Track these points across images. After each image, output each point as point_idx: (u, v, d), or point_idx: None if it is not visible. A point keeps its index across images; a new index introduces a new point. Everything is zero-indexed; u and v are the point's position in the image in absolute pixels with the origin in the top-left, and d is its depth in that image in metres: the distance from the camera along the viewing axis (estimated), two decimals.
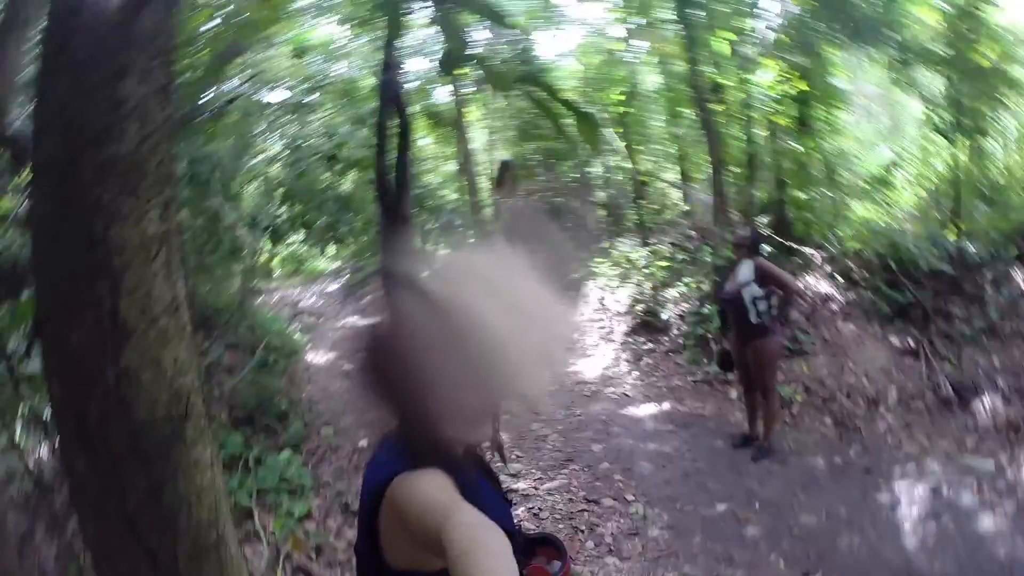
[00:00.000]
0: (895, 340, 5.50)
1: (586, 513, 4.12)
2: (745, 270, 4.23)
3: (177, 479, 1.63)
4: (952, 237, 6.19)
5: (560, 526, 4.03)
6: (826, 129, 7.44)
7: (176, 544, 1.61)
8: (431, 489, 0.98)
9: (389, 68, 2.39)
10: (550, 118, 1.73)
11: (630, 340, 7.22)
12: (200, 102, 6.48)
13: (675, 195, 9.65)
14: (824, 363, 5.46)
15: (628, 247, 8.71)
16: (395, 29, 2.63)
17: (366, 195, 6.86)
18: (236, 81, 8.10)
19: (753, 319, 4.20)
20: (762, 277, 4.15)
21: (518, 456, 5.22)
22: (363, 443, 4.69)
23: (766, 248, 5.63)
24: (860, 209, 7.47)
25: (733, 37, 7.08)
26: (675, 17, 7.00)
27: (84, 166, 1.50)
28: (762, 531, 3.65)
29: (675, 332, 6.77)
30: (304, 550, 3.43)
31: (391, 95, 2.31)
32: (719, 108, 7.42)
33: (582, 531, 3.94)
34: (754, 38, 7.14)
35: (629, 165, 9.69)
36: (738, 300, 4.26)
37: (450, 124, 10.83)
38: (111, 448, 1.55)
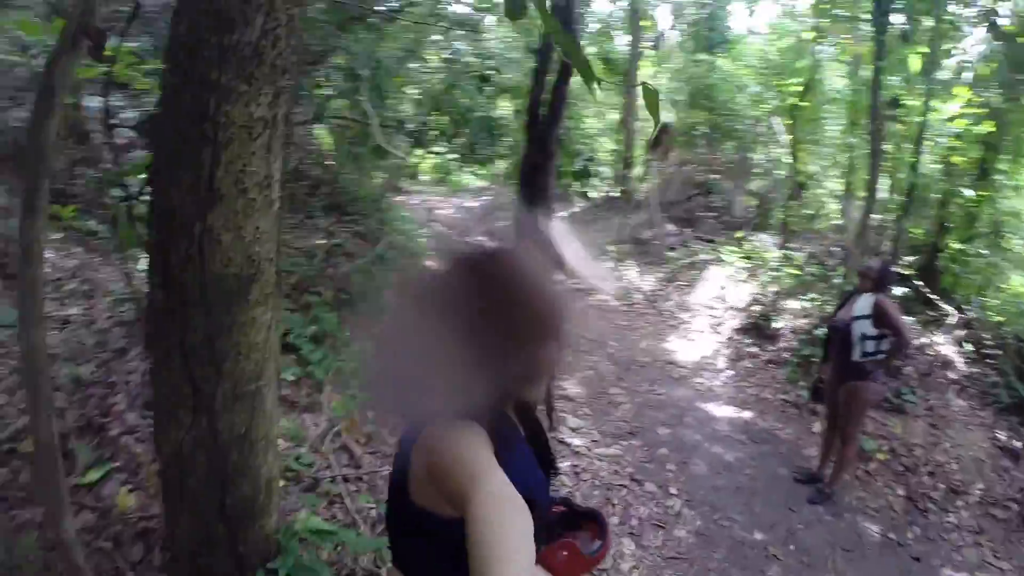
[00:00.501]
0: (1002, 434, 4.94)
1: (625, 490, 4.17)
2: (863, 303, 3.90)
3: (232, 331, 1.89)
4: None
5: (595, 492, 4.12)
6: (1007, 184, 6.54)
7: (218, 385, 1.89)
8: (464, 446, 0.97)
9: None
10: (583, 76, 1.66)
11: (736, 338, 6.91)
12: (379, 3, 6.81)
13: (832, 206, 8.84)
14: (920, 430, 4.96)
15: (766, 244, 8.18)
16: None
17: (516, 123, 6.97)
18: None
19: (855, 357, 3.90)
20: (878, 316, 3.81)
21: (586, 413, 5.32)
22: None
23: (895, 286, 5.12)
24: (1017, 282, 6.53)
25: (925, 52, 6.23)
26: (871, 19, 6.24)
27: (209, 48, 1.70)
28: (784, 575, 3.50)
29: (783, 344, 6.38)
30: (356, 433, 3.79)
31: (560, 22, 2.18)
32: (895, 127, 6.63)
33: (613, 504, 4.01)
34: (949, 63, 6.23)
35: (790, 161, 8.93)
36: (846, 332, 3.95)
37: (621, 74, 10.55)
38: (184, 291, 1.81)
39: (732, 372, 6.35)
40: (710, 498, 4.16)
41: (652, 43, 10.45)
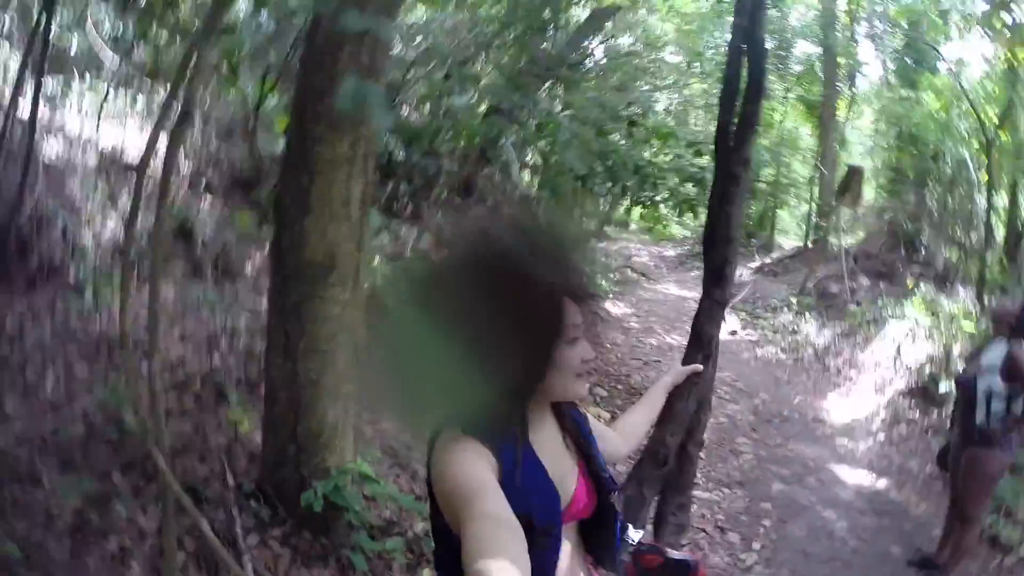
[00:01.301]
0: None
1: (703, 534, 4.14)
2: (994, 353, 3.38)
3: (314, 301, 2.66)
4: None
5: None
6: None
7: (300, 339, 2.67)
8: (464, 467, 0.97)
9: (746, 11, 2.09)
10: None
11: (899, 400, 6.31)
12: (575, 55, 7.68)
13: None
14: None
15: (960, 298, 7.26)
16: None
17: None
18: (615, 39, 9.15)
19: (979, 419, 3.35)
20: (1011, 368, 3.26)
21: (699, 456, 5.37)
22: None
23: None
24: None
25: None
26: None
27: (310, 108, 2.55)
28: None
29: (949, 410, 5.70)
30: None
31: (744, 39, 2.08)
32: None
33: (682, 545, 4.07)
34: None
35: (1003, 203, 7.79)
36: (969, 389, 3.42)
37: (819, 115, 10.16)
38: (286, 269, 2.66)
39: (883, 437, 5.84)
40: (794, 562, 3.94)
41: (849, 81, 9.93)
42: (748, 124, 2.07)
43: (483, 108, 6.55)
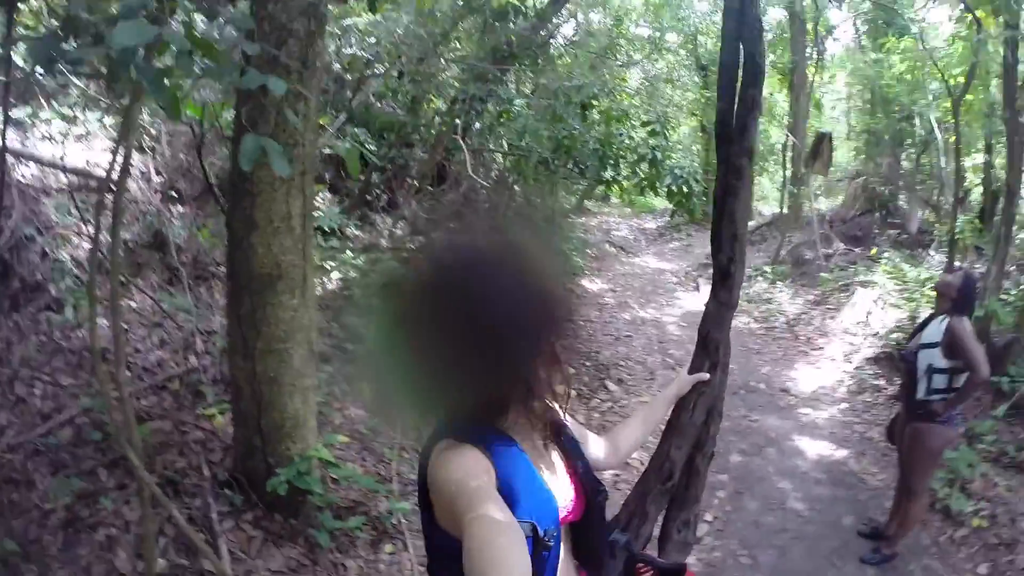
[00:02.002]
0: None
1: None
2: (935, 328, 3.43)
3: (266, 308, 3.00)
4: None
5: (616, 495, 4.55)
6: None
7: (257, 341, 3.02)
8: (463, 473, 1.00)
9: None
10: None
11: (865, 368, 6.66)
12: (543, 31, 7.90)
13: None
14: None
15: (934, 263, 7.56)
16: None
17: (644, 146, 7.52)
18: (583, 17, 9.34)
19: (920, 395, 3.43)
20: (951, 343, 3.30)
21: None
22: None
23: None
24: None
25: None
26: None
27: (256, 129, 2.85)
28: None
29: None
30: None
31: (738, 24, 2.02)
32: None
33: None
34: None
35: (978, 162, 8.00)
36: (912, 363, 3.49)
37: (789, 80, 10.37)
38: (239, 280, 3.00)
39: (846, 405, 6.18)
40: (746, 533, 4.13)
41: (818, 47, 10.10)
42: (749, 111, 1.96)
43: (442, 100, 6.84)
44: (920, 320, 4.09)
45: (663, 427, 1.90)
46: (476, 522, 0.90)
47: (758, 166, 14.46)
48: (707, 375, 1.85)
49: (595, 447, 1.45)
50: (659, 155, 6.04)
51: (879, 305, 7.38)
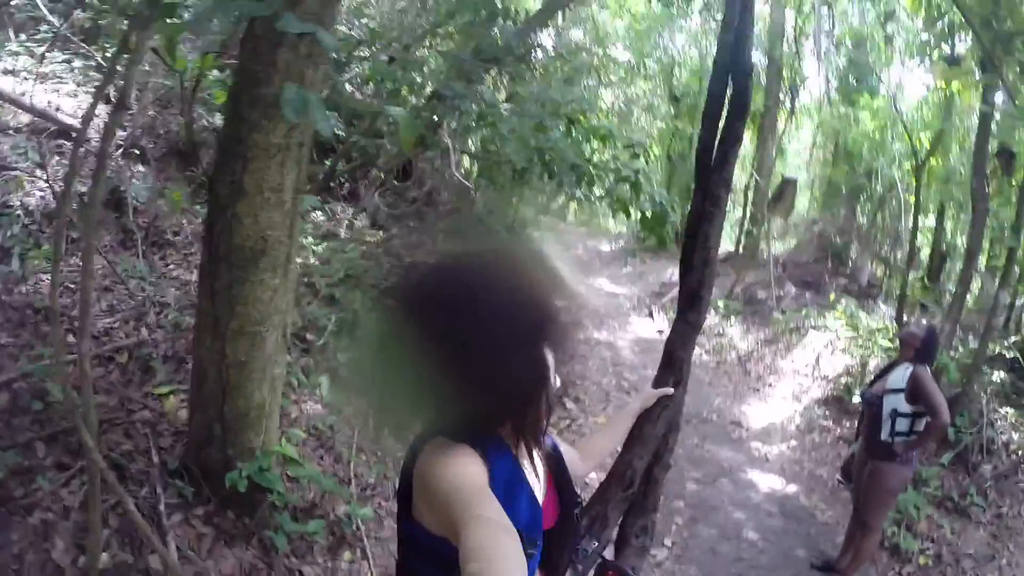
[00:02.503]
0: None
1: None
2: (899, 375, 3.69)
3: (244, 285, 2.75)
4: None
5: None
6: None
7: (230, 321, 2.77)
8: (460, 475, 1.00)
9: (732, 27, 2.14)
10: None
11: (814, 408, 6.85)
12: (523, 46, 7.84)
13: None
14: (979, 540, 4.65)
15: (881, 314, 7.89)
16: None
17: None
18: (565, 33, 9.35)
19: (883, 436, 3.68)
20: (914, 390, 3.57)
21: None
22: None
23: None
24: None
25: None
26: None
27: (246, 95, 2.63)
28: None
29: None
30: None
31: (731, 59, 2.11)
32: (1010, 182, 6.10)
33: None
34: None
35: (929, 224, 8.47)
36: (876, 406, 3.75)
37: (759, 124, 10.71)
38: (218, 252, 2.73)
39: (796, 443, 6.34)
40: (703, 560, 4.24)
41: (791, 94, 10.54)
42: (731, 143, 2.08)
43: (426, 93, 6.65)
44: (880, 367, 4.39)
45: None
46: (476, 521, 0.90)
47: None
48: (671, 390, 1.96)
49: (567, 455, 1.45)
50: (642, 179, 6.06)
51: (830, 350, 7.61)
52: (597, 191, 7.35)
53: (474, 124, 6.86)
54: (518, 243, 1.26)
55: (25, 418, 2.66)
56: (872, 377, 4.15)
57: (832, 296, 8.70)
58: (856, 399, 6.37)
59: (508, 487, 1.06)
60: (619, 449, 1.96)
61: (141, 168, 4.38)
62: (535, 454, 1.20)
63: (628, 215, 7.42)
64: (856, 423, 4.28)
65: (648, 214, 6.83)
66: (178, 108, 4.59)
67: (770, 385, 7.77)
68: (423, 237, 7.03)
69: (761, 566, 4.28)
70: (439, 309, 1.00)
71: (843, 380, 6.97)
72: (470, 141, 7.97)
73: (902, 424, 3.62)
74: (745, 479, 5.59)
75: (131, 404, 3.17)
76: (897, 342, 4.39)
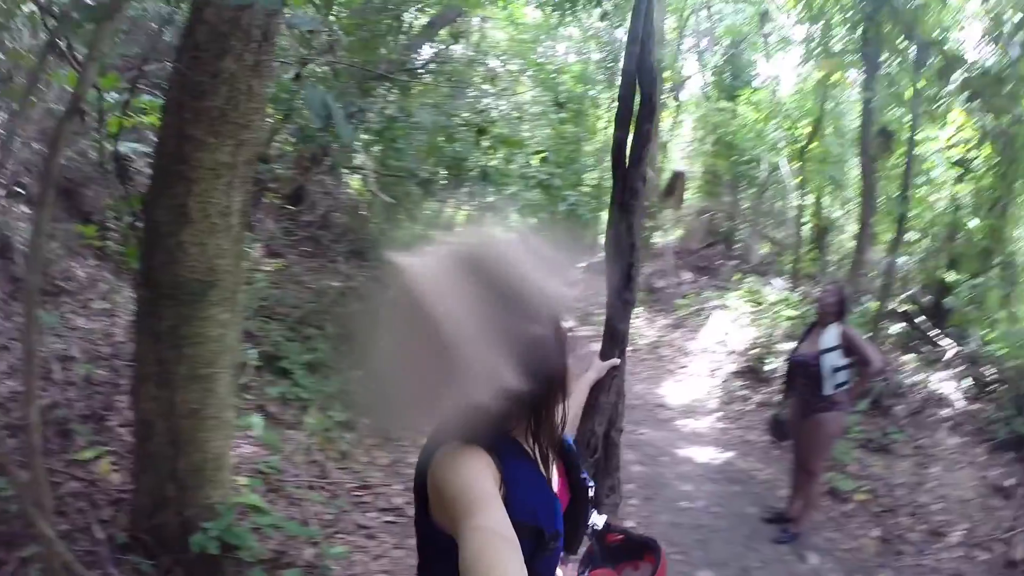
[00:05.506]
0: (995, 472, 4.89)
1: None
2: (830, 335, 3.98)
3: (193, 323, 2.43)
4: None
5: None
6: (1018, 211, 6.39)
7: (178, 365, 2.44)
8: (466, 476, 0.98)
9: (638, 39, 2.31)
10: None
11: (731, 381, 7.18)
12: (414, 59, 7.66)
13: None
14: (905, 470, 5.04)
15: (776, 289, 8.44)
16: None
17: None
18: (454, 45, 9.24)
19: (827, 390, 3.94)
20: (847, 347, 3.91)
21: None
22: None
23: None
24: None
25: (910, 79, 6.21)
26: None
27: (188, 109, 2.33)
28: None
29: (776, 386, 6.58)
30: (330, 450, 4.29)
31: (636, 65, 2.28)
32: (890, 158, 6.77)
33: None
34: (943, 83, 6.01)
35: (809, 205, 9.20)
36: (814, 367, 4.00)
37: None
38: (160, 288, 2.40)
39: (720, 414, 6.61)
40: (669, 532, 4.29)
41: (673, 92, 11.07)
42: (644, 141, 2.28)
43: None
44: (798, 334, 4.70)
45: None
46: (472, 533, 0.88)
47: (597, 201, 15.27)
48: (618, 360, 2.13)
49: None
50: (556, 181, 6.10)
51: (736, 326, 8.00)
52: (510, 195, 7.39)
53: (381, 138, 6.64)
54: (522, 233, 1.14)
55: None
56: (797, 343, 4.43)
57: (738, 275, 9.17)
58: (769, 367, 6.75)
59: (522, 487, 1.03)
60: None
61: (26, 209, 3.81)
62: (549, 453, 1.16)
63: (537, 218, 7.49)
64: (783, 386, 4.51)
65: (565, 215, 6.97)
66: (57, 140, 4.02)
67: (684, 367, 8.06)
68: (322, 262, 6.72)
69: (721, 529, 4.43)
70: (455, 298, 0.94)
71: (753, 351, 7.33)
72: (363, 158, 7.72)
73: (841, 376, 3.97)
74: (683, 455, 5.73)
75: (54, 476, 2.71)
76: (813, 310, 4.71)
